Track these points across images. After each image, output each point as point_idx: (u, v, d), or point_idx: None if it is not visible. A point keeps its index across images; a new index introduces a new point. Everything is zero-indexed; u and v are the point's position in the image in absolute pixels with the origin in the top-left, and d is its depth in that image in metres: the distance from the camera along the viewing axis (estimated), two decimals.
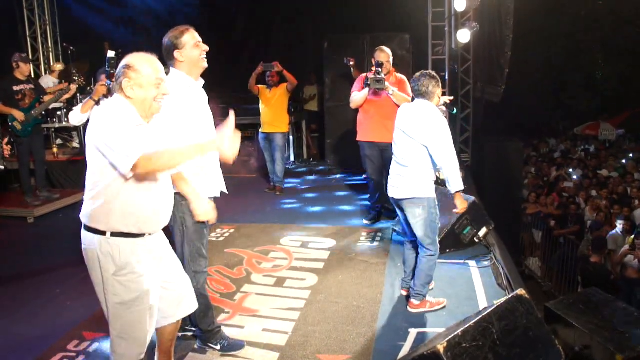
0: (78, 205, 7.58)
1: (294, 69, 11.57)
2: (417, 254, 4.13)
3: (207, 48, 3.22)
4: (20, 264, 5.43)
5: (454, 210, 4.07)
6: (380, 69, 5.69)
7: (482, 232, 5.35)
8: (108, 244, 2.54)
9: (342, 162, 9.59)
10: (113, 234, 2.54)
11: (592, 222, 9.72)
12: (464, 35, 7.97)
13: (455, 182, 3.86)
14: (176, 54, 3.16)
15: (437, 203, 4.04)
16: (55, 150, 8.49)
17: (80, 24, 11.35)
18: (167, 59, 3.17)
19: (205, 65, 3.24)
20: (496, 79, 8.70)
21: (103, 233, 2.54)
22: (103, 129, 2.44)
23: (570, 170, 13.95)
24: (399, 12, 10.20)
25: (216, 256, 5.31)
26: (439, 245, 4.08)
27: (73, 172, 7.94)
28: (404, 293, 4.34)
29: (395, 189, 4.10)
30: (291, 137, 10.67)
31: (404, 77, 6.01)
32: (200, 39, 3.22)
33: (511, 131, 14.59)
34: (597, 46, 20.69)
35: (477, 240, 5.33)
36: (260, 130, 7.90)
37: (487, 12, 8.53)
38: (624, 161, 14.99)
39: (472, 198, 5.38)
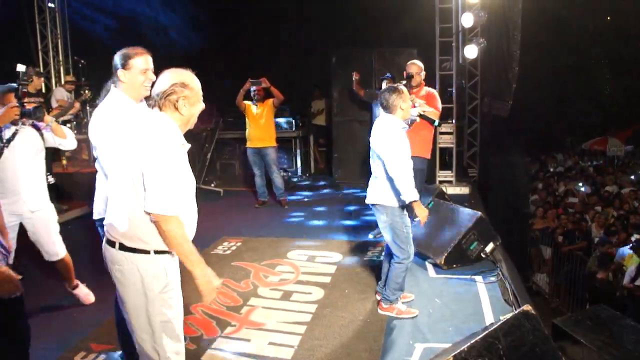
0: (86, 217, 7.58)
1: (301, 83, 11.66)
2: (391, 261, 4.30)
3: (153, 78, 3.02)
4: (28, 275, 5.44)
5: (415, 219, 4.17)
6: (408, 82, 5.70)
7: (489, 247, 5.33)
8: (154, 263, 2.50)
9: (350, 176, 9.61)
10: (157, 252, 2.50)
11: (599, 239, 9.68)
12: (471, 51, 8.01)
13: (407, 193, 3.97)
14: (119, 73, 3.09)
15: (404, 213, 4.17)
16: (64, 162, 8.56)
17: (91, 38, 11.49)
18: (114, 74, 3.11)
19: (146, 93, 3.08)
20: (504, 94, 8.73)
21: (147, 252, 2.49)
22: (158, 155, 2.38)
23: (580, 184, 13.90)
24: (406, 27, 10.27)
25: (223, 269, 5.33)
26: (409, 254, 4.18)
27: (82, 185, 7.99)
28: (377, 297, 4.48)
29: (368, 195, 4.37)
30: (298, 152, 10.72)
31: (434, 91, 5.98)
32: (151, 67, 3.13)
33: (518, 146, 14.57)
34: (604, 61, 20.72)
35: (483, 256, 5.32)
36: (248, 145, 7.90)
37: (495, 27, 8.57)
38: (632, 177, 14.92)
39: (479, 213, 5.38)
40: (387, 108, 4.16)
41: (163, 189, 2.37)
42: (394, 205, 4.15)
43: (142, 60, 3.11)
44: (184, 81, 2.51)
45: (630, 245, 8.54)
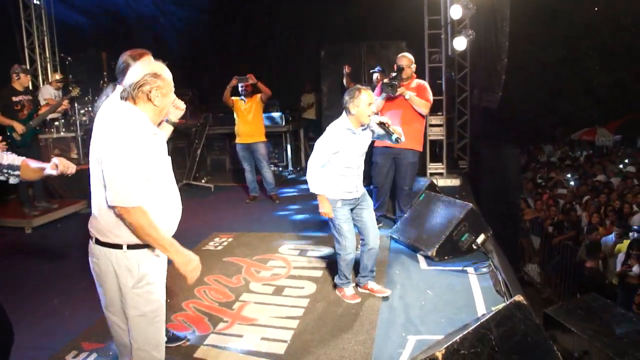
0: (77, 215, 7.57)
1: (291, 77, 11.64)
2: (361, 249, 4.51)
3: None
4: (18, 275, 5.43)
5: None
6: (398, 74, 5.70)
7: (480, 238, 5.35)
8: (126, 258, 2.52)
9: None
10: (130, 247, 2.52)
11: (587, 227, 9.75)
12: (460, 43, 8.01)
13: (311, 185, 4.24)
14: None
15: (337, 205, 4.29)
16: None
17: (77, 35, 11.40)
18: (119, 77, 3.14)
19: None
20: (493, 86, 8.74)
21: (119, 247, 2.51)
22: (113, 147, 2.39)
23: (569, 175, 13.98)
24: (395, 20, 10.27)
25: (215, 265, 5.32)
26: (345, 246, 4.35)
27: (71, 183, 7.93)
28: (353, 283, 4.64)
29: None
30: (289, 146, 10.70)
31: (424, 83, 5.99)
32: None
33: (508, 137, 14.63)
34: (593, 53, 20.81)
35: (475, 247, 5.33)
36: (237, 141, 7.90)
37: (483, 19, 8.57)
38: (621, 167, 15.04)
39: (470, 205, 5.39)
40: (344, 109, 4.24)
41: (121, 180, 2.38)
42: (332, 197, 4.29)
43: (149, 59, 3.12)
44: (156, 72, 2.53)
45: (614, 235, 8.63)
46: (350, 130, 4.20)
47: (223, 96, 7.67)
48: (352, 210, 4.41)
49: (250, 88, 7.69)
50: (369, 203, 4.50)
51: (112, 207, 2.44)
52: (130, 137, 2.41)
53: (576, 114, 20.37)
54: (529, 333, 2.93)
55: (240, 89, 7.66)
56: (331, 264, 5.27)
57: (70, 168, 2.91)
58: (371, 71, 6.50)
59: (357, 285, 4.60)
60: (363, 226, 4.43)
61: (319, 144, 4.25)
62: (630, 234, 8.36)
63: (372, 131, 4.34)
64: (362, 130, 4.27)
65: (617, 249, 8.34)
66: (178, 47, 11.94)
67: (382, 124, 4.20)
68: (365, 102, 4.11)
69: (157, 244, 2.50)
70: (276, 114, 10.20)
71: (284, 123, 10.29)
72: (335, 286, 4.62)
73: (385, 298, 4.41)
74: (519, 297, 3.09)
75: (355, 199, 4.36)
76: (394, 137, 4.17)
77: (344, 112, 4.26)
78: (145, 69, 2.53)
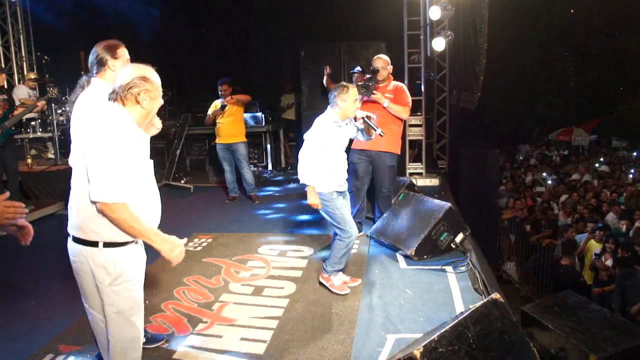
0: (53, 217, 7.44)
1: (271, 77, 11.62)
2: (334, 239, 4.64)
3: None
4: None
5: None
6: (373, 76, 5.71)
7: (459, 238, 5.40)
8: (102, 255, 2.53)
9: None
10: (106, 245, 2.53)
11: (561, 225, 9.91)
12: (439, 44, 8.07)
13: (302, 176, 4.45)
14: (111, 63, 3.25)
15: (333, 197, 4.47)
16: (29, 161, 8.36)
17: (54, 33, 11.24)
18: (93, 69, 3.24)
19: None
20: (471, 87, 8.83)
21: (95, 244, 2.53)
22: (100, 144, 2.41)
23: (545, 174, 14.19)
24: (375, 20, 10.31)
25: (194, 266, 5.28)
26: (350, 233, 4.47)
27: (48, 184, 7.82)
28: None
29: None
30: (268, 146, 10.69)
31: (402, 86, 5.91)
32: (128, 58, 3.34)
33: (487, 137, 14.79)
34: (569, 55, 21.12)
35: (453, 246, 5.38)
36: (217, 141, 7.87)
37: (462, 20, 8.65)
38: (597, 165, 15.32)
39: (448, 204, 5.44)
40: (330, 104, 4.48)
41: (105, 177, 2.40)
42: (323, 191, 4.46)
43: (125, 51, 3.31)
44: (145, 75, 2.57)
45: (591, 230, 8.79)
46: (337, 123, 4.46)
47: (205, 119, 7.82)
48: None
49: (229, 91, 7.67)
50: (347, 196, 4.76)
51: (94, 203, 2.45)
52: (116, 135, 2.44)
53: (553, 114, 20.66)
54: (506, 330, 2.97)
55: (220, 93, 7.66)
56: (311, 264, 5.28)
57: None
58: (351, 72, 6.50)
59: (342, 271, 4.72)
60: None
61: (310, 136, 4.45)
62: (596, 232, 8.53)
63: (356, 127, 4.63)
64: (345, 124, 4.55)
65: (588, 246, 8.50)
66: (157, 47, 11.84)
67: (368, 118, 4.47)
68: (352, 97, 4.39)
69: (142, 235, 2.53)
70: (256, 114, 10.17)
71: (263, 123, 10.27)
72: (321, 274, 4.70)
73: (365, 298, 4.43)
74: (496, 295, 3.13)
75: (344, 191, 4.63)
76: (378, 130, 4.48)
77: (329, 107, 4.51)
78: (135, 72, 2.56)
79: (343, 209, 4.51)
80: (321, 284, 4.66)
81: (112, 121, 2.47)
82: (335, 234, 4.59)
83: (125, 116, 2.52)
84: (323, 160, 4.43)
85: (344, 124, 4.51)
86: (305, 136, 4.51)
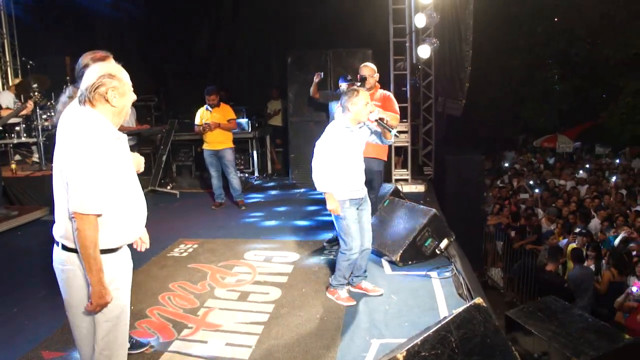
0: (38, 222, 7.37)
1: (257, 84, 11.63)
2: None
3: None
4: None
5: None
6: (362, 84, 5.70)
7: (444, 243, 5.43)
8: None
9: (306, 177, 9.60)
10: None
11: (545, 232, 10.01)
12: (424, 51, 8.15)
13: (318, 183, 4.39)
14: None
15: (344, 206, 4.38)
16: (13, 166, 8.28)
17: (39, 38, 11.18)
18: (79, 80, 3.09)
19: None
20: (457, 93, 8.93)
21: None
22: (74, 155, 2.38)
23: (531, 182, 14.31)
24: (361, 28, 10.37)
25: (179, 272, 5.27)
26: (351, 247, 4.40)
27: (32, 189, 7.75)
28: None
29: None
30: (255, 152, 10.70)
31: (389, 94, 5.83)
32: None
33: (472, 144, 14.90)
34: (553, 61, 21.35)
35: (438, 252, 5.41)
36: (205, 147, 7.89)
37: (448, 28, 8.74)
38: (581, 172, 15.47)
39: (433, 210, 5.47)
40: (342, 109, 4.40)
41: (82, 188, 2.36)
42: (338, 199, 4.38)
43: (113, 62, 3.11)
44: (111, 72, 2.51)
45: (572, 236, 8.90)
46: (349, 128, 4.38)
47: (195, 128, 7.86)
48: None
49: (217, 99, 7.72)
50: (368, 205, 4.64)
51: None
52: (91, 143, 2.39)
53: (538, 121, 20.85)
54: (488, 335, 3.00)
55: (207, 102, 7.70)
56: (297, 270, 5.30)
57: None
58: (340, 82, 6.52)
59: (349, 284, 4.68)
60: (360, 227, 4.52)
61: (320, 144, 4.40)
62: (578, 237, 8.63)
63: (369, 129, 4.54)
64: (359, 127, 4.46)
65: (568, 252, 8.60)
66: (144, 53, 11.80)
67: (380, 120, 4.38)
68: (362, 101, 4.30)
69: (88, 260, 2.42)
70: (242, 120, 10.18)
71: (250, 129, 10.28)
72: (327, 288, 4.67)
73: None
74: (478, 300, 3.16)
75: (360, 198, 4.51)
76: (393, 131, 4.39)
77: (338, 112, 4.50)
78: (100, 70, 2.51)
79: (351, 221, 4.41)
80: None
81: (87, 128, 2.42)
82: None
83: (98, 120, 2.47)
84: (335, 166, 4.37)
85: (356, 128, 4.43)
86: (316, 144, 4.45)
